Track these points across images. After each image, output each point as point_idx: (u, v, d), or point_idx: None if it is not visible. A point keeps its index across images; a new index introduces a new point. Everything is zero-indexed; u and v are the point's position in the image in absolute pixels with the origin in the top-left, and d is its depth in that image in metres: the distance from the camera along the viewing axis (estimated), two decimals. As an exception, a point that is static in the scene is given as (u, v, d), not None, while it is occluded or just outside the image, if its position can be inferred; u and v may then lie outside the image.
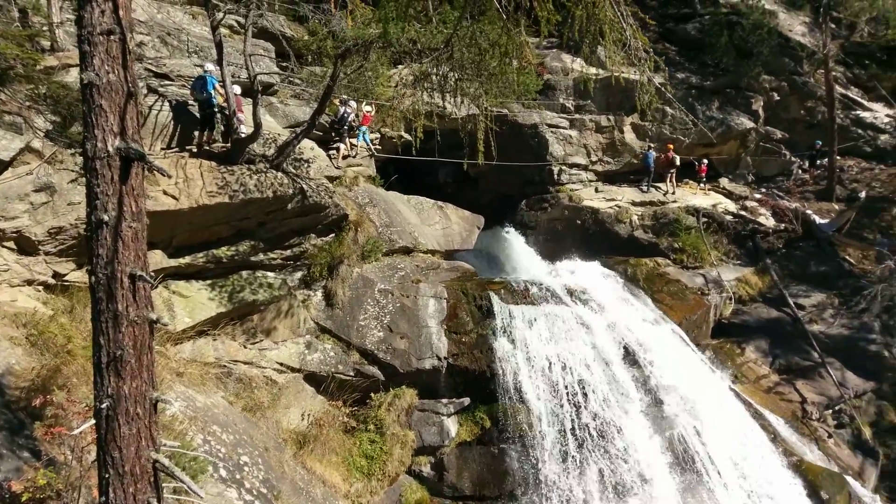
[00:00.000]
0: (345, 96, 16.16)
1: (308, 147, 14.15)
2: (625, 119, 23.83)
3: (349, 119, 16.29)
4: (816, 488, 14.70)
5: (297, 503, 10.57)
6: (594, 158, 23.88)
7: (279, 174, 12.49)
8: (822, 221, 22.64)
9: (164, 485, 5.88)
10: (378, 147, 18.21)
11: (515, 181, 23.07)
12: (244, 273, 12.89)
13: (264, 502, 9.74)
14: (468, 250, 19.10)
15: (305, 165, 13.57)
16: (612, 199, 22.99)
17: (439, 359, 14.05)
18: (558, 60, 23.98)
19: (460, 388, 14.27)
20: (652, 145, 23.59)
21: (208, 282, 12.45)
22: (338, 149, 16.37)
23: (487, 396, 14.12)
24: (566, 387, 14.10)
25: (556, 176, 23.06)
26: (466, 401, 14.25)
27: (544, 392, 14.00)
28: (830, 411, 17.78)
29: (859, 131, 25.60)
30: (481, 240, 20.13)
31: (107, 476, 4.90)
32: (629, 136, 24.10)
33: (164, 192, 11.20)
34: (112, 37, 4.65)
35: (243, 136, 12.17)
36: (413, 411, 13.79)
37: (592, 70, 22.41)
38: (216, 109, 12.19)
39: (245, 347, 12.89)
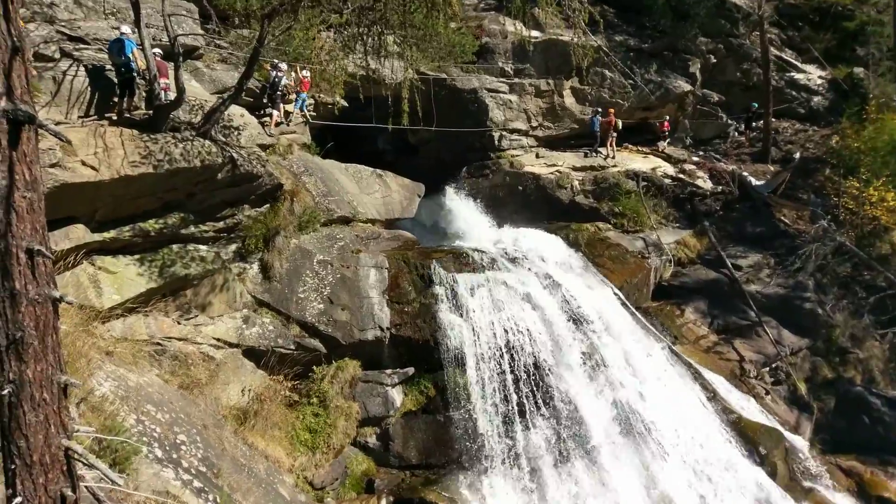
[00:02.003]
0: (276, 60, 15.52)
1: (238, 114, 13.57)
2: (564, 83, 23.78)
3: (281, 84, 15.69)
4: (755, 444, 15.08)
5: (239, 480, 10.31)
6: (535, 123, 23.81)
7: (207, 142, 11.91)
8: (758, 183, 23.03)
9: (86, 473, 5.56)
10: (313, 113, 17.64)
11: (456, 148, 22.82)
12: (174, 247, 12.33)
13: (204, 481, 9.46)
14: (409, 219, 18.86)
15: (236, 133, 13.01)
16: (554, 165, 23.00)
17: (382, 329, 13.90)
18: (497, 23, 23.64)
19: (404, 358, 14.20)
20: (599, 110, 23.61)
21: (137, 256, 11.87)
22: (270, 115, 15.78)
23: (432, 365, 14.10)
24: (510, 353, 14.16)
25: (496, 142, 22.93)
26: (411, 370, 14.21)
27: (488, 359, 14.01)
28: (767, 369, 18.23)
29: (793, 93, 26.17)
30: (422, 208, 19.90)
31: (13, 467, 4.55)
32: (569, 101, 24.10)
33: (83, 163, 10.51)
34: (-11, -16, 4.18)
35: (167, 102, 11.53)
36: (357, 383, 13.67)
37: (531, 32, 22.21)
38: (136, 74, 11.49)
39: (179, 323, 12.42)
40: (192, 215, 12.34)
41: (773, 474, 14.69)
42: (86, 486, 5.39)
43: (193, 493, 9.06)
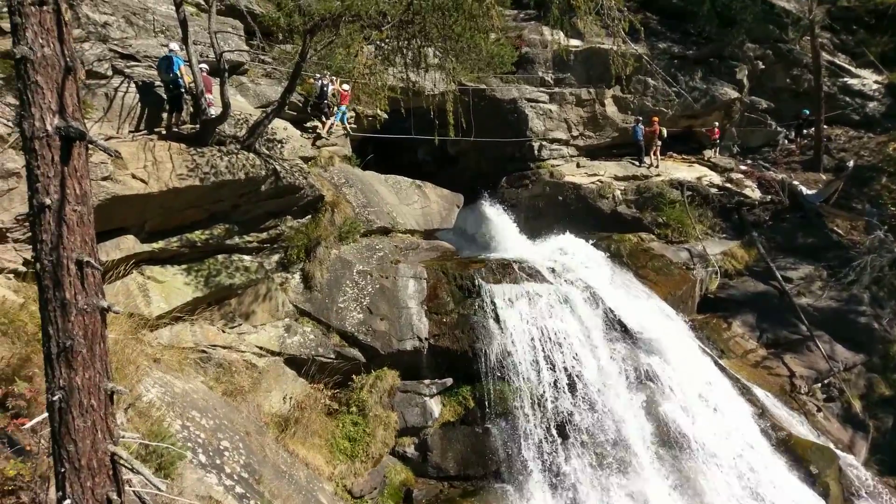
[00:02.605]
0: (318, 75, 15.87)
1: (281, 127, 13.87)
2: (606, 92, 23.49)
3: (329, 92, 16.05)
4: (806, 463, 14.58)
5: (280, 486, 10.46)
6: (575, 133, 23.60)
7: (251, 155, 12.22)
8: (810, 192, 22.39)
9: (133, 477, 5.73)
10: (353, 126, 17.92)
11: (496, 158, 22.84)
12: (220, 257, 12.66)
13: (245, 487, 9.62)
14: (448, 229, 18.92)
15: (279, 146, 13.29)
16: (595, 174, 22.75)
17: (420, 339, 13.96)
18: (537, 33, 23.59)
19: (442, 368, 14.23)
20: (640, 119, 23.32)
21: (184, 266, 12.23)
22: (322, 123, 16.25)
23: (470, 376, 14.08)
24: (549, 364, 14.03)
25: (536, 152, 22.81)
26: (449, 381, 14.23)
27: (527, 370, 13.91)
28: (819, 385, 17.65)
29: (847, 99, 25.27)
30: (461, 218, 19.94)
31: (63, 471, 4.73)
32: (611, 110, 23.82)
33: (133, 176, 10.91)
34: (45, 7, 4.39)
35: (213, 116, 11.87)
36: (395, 392, 13.73)
37: (572, 42, 22.09)
38: (183, 90, 11.87)
39: (224, 332, 12.72)
40: (236, 226, 12.67)
41: (825, 495, 14.15)
42: (133, 491, 5.56)
43: (236, 499, 9.23)
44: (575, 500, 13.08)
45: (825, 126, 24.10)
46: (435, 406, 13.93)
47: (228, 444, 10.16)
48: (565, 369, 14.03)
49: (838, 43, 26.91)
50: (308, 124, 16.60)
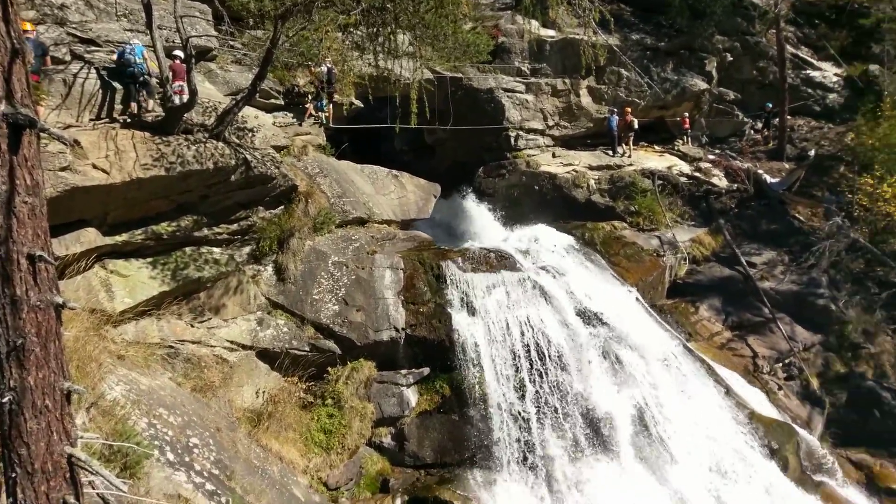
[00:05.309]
0: (327, 58, 15.62)
1: (252, 115, 13.55)
2: (581, 82, 23.55)
3: (335, 75, 15.92)
4: (767, 438, 15.00)
5: (253, 482, 10.27)
6: (551, 123, 23.61)
7: (220, 144, 11.85)
8: (773, 180, 22.92)
9: (97, 479, 5.50)
10: (328, 115, 17.62)
11: (473, 148, 22.74)
12: (188, 249, 12.29)
13: (216, 483, 9.41)
14: (425, 219, 18.78)
15: (249, 135, 12.97)
16: (570, 164, 22.78)
17: (397, 330, 13.84)
18: (513, 22, 23.48)
19: (419, 358, 14.15)
20: (614, 109, 23.49)
21: (149, 260, 11.82)
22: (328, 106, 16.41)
23: (447, 365, 14.04)
24: (525, 352, 14.07)
25: (513, 142, 22.78)
26: (426, 370, 14.14)
27: (503, 358, 13.93)
28: (780, 364, 18.19)
29: (809, 90, 25.83)
30: (439, 208, 19.81)
31: (14, 476, 4.49)
32: (585, 100, 23.88)
33: (94, 166, 10.46)
34: (-13, -14, 4.12)
35: (179, 104, 11.50)
36: (372, 383, 13.62)
37: (547, 32, 21.99)
38: (147, 76, 11.48)
39: (192, 326, 12.39)
40: (205, 217, 12.30)
41: (784, 468, 14.62)
42: (97, 493, 5.33)
43: (206, 496, 9.01)
44: (550, 484, 13.16)
45: (789, 117, 24.58)
46: (412, 396, 13.84)
47: (198, 440, 9.92)
48: (540, 355, 14.04)
49: (801, 36, 27.50)
50: (278, 113, 16.26)
